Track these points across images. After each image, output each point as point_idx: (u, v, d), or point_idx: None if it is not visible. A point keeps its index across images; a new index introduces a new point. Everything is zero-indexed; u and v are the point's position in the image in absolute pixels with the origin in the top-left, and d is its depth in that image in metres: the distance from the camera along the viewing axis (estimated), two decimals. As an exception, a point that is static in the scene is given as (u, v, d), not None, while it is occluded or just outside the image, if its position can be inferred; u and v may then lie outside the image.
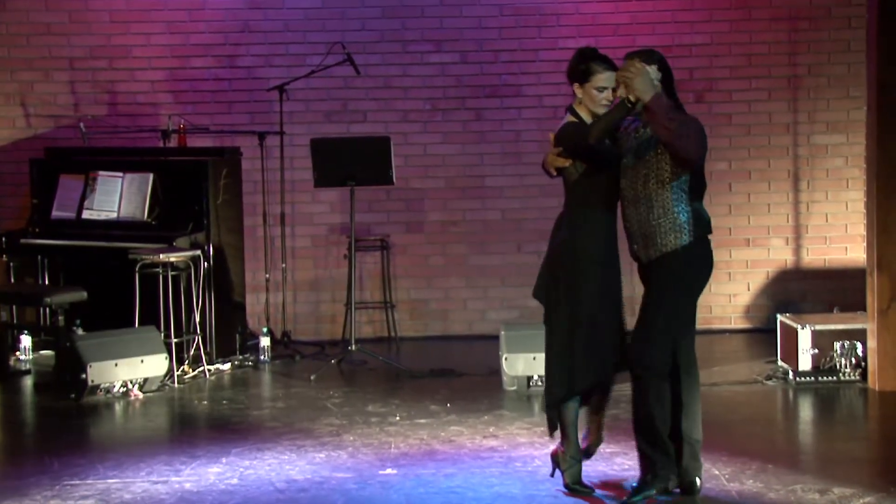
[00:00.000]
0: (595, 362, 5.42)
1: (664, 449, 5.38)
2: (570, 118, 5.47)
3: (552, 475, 5.66)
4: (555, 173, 5.50)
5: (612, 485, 5.68)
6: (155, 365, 7.73)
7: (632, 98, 5.22)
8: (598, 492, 5.58)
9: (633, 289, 9.59)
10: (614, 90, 5.40)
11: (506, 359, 7.59)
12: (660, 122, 5.14)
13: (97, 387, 7.55)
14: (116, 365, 7.59)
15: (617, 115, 5.27)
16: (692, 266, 5.31)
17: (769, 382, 7.74)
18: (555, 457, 5.64)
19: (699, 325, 9.43)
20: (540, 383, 7.57)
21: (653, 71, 5.29)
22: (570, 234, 5.51)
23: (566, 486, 5.58)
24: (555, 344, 5.51)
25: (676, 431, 5.42)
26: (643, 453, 5.41)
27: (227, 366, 8.42)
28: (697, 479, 5.47)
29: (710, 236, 5.37)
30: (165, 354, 7.77)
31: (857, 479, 5.72)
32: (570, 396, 5.46)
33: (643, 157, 5.29)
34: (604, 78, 5.43)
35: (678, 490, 5.43)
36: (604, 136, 5.28)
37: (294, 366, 8.60)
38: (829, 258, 9.65)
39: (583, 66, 5.47)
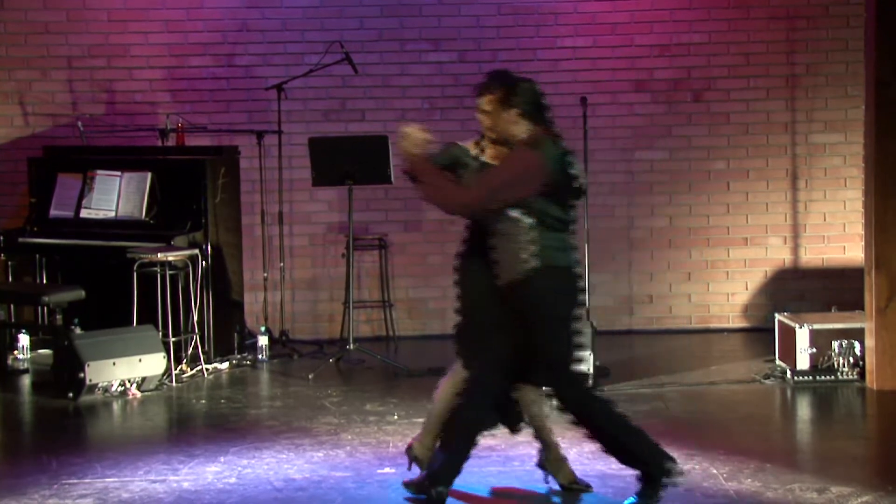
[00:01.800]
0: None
1: (635, 455, 5.37)
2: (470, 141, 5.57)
3: (546, 481, 5.68)
4: None
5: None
6: (153, 364, 7.73)
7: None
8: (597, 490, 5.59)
9: (630, 288, 9.68)
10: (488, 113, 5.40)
11: (504, 358, 7.58)
12: (420, 180, 5.30)
13: (95, 386, 7.55)
14: (114, 364, 7.59)
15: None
16: (543, 294, 5.31)
17: (767, 381, 7.75)
18: (542, 465, 5.69)
19: (697, 325, 9.62)
20: (538, 382, 7.58)
21: (511, 112, 5.31)
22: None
23: (562, 487, 5.59)
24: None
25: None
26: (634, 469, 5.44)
27: (226, 365, 8.42)
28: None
29: (562, 268, 5.33)
30: (163, 353, 7.77)
31: (854, 477, 5.72)
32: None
33: None
34: (480, 101, 5.44)
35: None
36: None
37: (292, 365, 8.60)
38: (828, 257, 9.65)
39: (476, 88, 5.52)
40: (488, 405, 5.44)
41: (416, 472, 5.69)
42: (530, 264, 5.26)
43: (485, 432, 5.57)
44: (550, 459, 5.67)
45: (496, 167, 5.33)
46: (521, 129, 5.34)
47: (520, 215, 5.27)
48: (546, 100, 5.39)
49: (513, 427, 5.65)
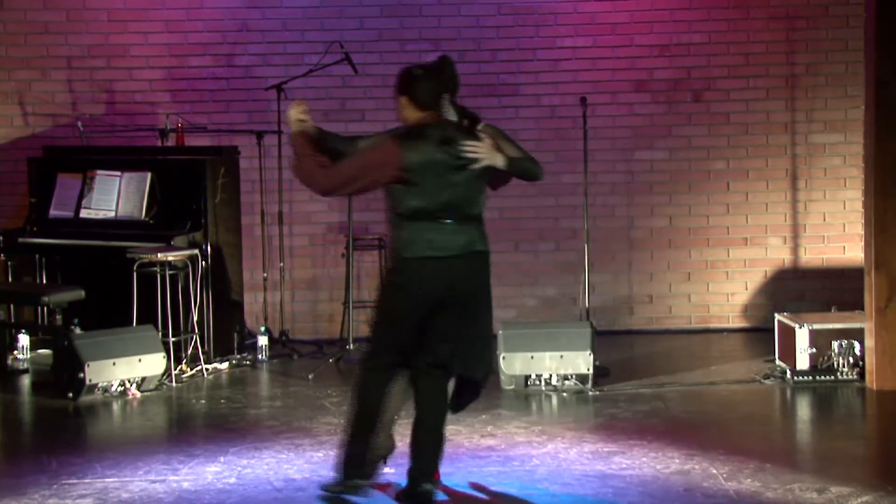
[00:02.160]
0: None
1: (349, 445, 5.53)
2: None
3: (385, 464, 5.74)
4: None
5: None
6: (153, 364, 7.73)
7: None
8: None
9: (630, 288, 9.69)
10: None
11: (503, 358, 7.59)
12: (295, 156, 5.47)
13: (95, 386, 7.55)
14: (114, 364, 7.59)
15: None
16: (389, 283, 5.46)
17: (767, 381, 7.75)
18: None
19: (697, 325, 9.62)
20: (538, 382, 7.58)
21: (402, 100, 5.39)
22: None
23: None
24: None
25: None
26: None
27: (225, 365, 8.42)
28: (428, 486, 5.50)
29: (408, 259, 5.32)
30: (163, 353, 7.77)
31: (854, 477, 5.72)
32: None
33: None
34: None
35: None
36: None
37: (292, 365, 8.60)
38: (827, 257, 9.65)
39: None
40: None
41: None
42: (395, 253, 5.36)
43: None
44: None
45: (348, 159, 5.37)
46: (412, 115, 5.36)
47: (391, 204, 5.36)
48: (440, 84, 5.34)
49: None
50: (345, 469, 5.51)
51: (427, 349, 5.41)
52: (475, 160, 5.29)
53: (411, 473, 5.47)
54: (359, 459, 5.48)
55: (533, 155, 5.64)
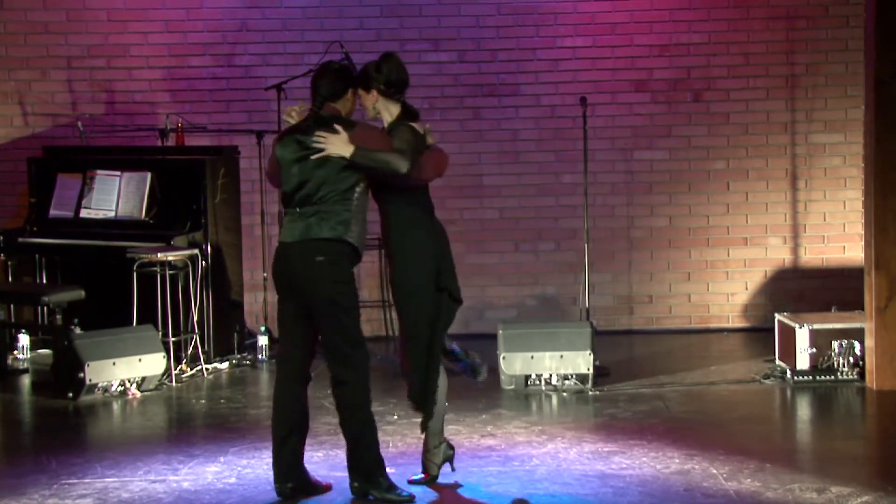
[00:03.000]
0: None
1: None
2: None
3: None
4: None
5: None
6: (153, 364, 7.72)
7: None
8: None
9: (630, 288, 9.68)
10: None
11: (503, 358, 7.59)
12: None
13: (95, 386, 7.55)
14: (114, 364, 7.59)
15: None
16: None
17: (767, 381, 7.75)
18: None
19: (697, 324, 9.63)
20: (538, 382, 7.58)
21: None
22: None
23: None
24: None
25: None
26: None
27: (225, 365, 8.42)
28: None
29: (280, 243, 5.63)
30: (163, 353, 7.77)
31: (854, 478, 5.72)
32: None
33: None
34: None
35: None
36: None
37: (292, 365, 8.58)
38: (827, 257, 9.65)
39: None
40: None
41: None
42: None
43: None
44: None
45: None
46: None
47: None
48: (322, 82, 5.73)
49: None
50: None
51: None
52: (318, 150, 5.48)
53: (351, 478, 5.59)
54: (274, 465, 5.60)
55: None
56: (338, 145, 5.46)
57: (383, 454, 6.17)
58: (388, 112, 5.77)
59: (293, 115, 5.71)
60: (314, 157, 5.45)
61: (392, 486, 5.49)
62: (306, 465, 6.05)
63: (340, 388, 5.57)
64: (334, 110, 5.62)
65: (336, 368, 5.60)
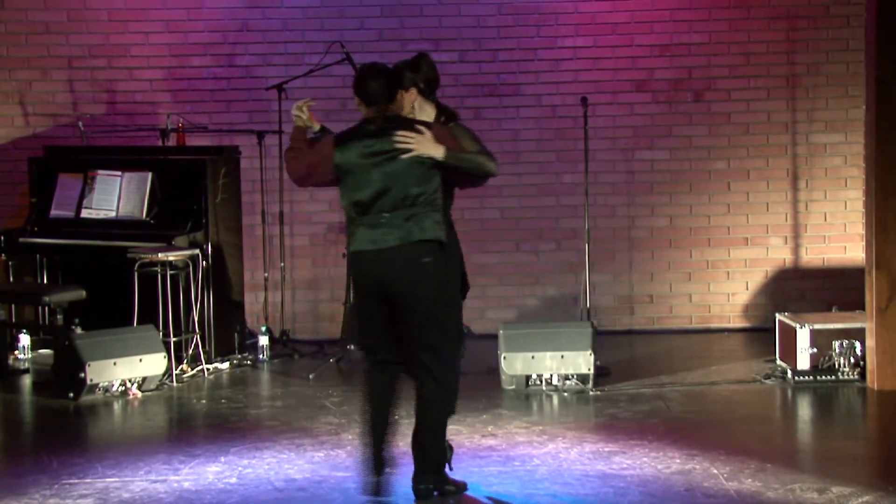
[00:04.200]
0: None
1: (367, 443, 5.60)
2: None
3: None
4: None
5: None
6: (153, 364, 7.73)
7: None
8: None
9: (631, 288, 9.68)
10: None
11: (504, 358, 7.59)
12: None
13: (96, 386, 7.55)
14: (115, 364, 7.59)
15: None
16: (349, 275, 5.78)
17: (768, 381, 7.75)
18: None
19: (698, 324, 9.63)
20: (539, 382, 7.58)
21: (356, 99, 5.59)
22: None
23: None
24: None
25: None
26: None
27: (226, 365, 8.42)
28: (378, 478, 5.58)
29: (353, 252, 5.51)
30: (164, 353, 7.77)
31: (855, 478, 5.72)
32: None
33: None
34: None
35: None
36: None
37: (293, 365, 8.60)
38: (828, 257, 9.65)
39: None
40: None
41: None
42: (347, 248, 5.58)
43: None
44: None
45: (311, 149, 5.63)
46: (363, 112, 5.55)
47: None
48: (379, 84, 5.49)
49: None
50: (366, 471, 5.54)
51: (408, 351, 5.52)
52: (405, 150, 5.37)
53: (414, 473, 5.53)
54: (373, 460, 5.51)
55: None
56: (428, 146, 5.37)
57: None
58: (424, 111, 5.65)
59: (304, 110, 5.70)
60: (403, 157, 5.34)
61: (447, 477, 5.58)
62: (308, 465, 6.07)
63: (432, 383, 5.48)
64: (394, 111, 5.50)
65: (431, 363, 5.46)
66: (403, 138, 5.36)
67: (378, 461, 5.51)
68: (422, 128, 5.41)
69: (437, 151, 5.38)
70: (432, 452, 5.50)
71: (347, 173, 5.40)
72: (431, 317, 5.42)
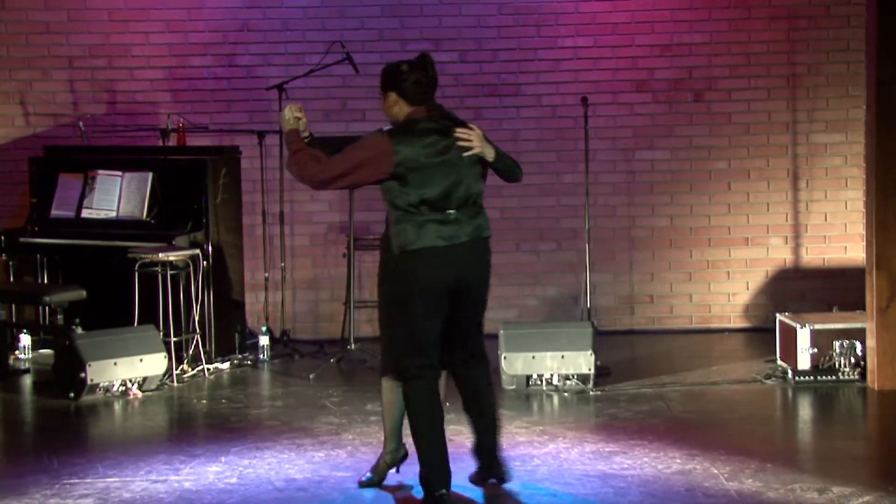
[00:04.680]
0: None
1: (425, 454, 5.45)
2: None
3: (397, 471, 5.77)
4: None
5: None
6: (154, 364, 7.73)
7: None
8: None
9: (631, 288, 9.68)
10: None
11: (504, 358, 7.59)
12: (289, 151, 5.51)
13: (96, 386, 7.55)
14: (115, 364, 7.59)
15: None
16: (388, 279, 5.45)
17: (768, 381, 7.75)
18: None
19: (698, 324, 9.63)
20: (539, 382, 7.58)
21: (391, 96, 5.47)
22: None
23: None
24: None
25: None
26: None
27: (227, 365, 8.42)
28: (502, 469, 5.61)
29: (414, 251, 5.37)
30: (164, 353, 7.77)
31: (855, 478, 5.72)
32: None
33: None
34: None
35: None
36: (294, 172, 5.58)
37: (293, 364, 8.60)
38: (829, 257, 9.65)
39: None
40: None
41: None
42: (394, 249, 5.38)
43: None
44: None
45: (337, 155, 5.43)
46: (402, 111, 5.44)
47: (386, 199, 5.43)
48: (428, 78, 5.45)
49: None
50: (430, 483, 5.41)
51: (460, 342, 5.54)
52: (468, 148, 5.38)
53: (484, 461, 5.59)
54: (440, 469, 5.41)
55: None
56: (483, 144, 5.43)
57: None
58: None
59: (297, 113, 5.57)
60: (466, 154, 5.37)
61: None
62: (308, 465, 6.07)
63: (483, 368, 5.64)
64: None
65: (480, 351, 5.66)
66: (465, 136, 5.38)
67: (447, 470, 5.41)
68: (474, 126, 5.46)
69: (490, 151, 5.45)
70: (499, 443, 5.64)
71: (411, 170, 5.31)
72: (483, 306, 5.66)
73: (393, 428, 5.67)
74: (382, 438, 5.81)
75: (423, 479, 5.42)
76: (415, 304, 5.35)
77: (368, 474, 5.76)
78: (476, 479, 5.66)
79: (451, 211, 5.38)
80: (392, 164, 5.30)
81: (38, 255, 8.82)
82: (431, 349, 5.42)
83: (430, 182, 5.33)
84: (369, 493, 5.66)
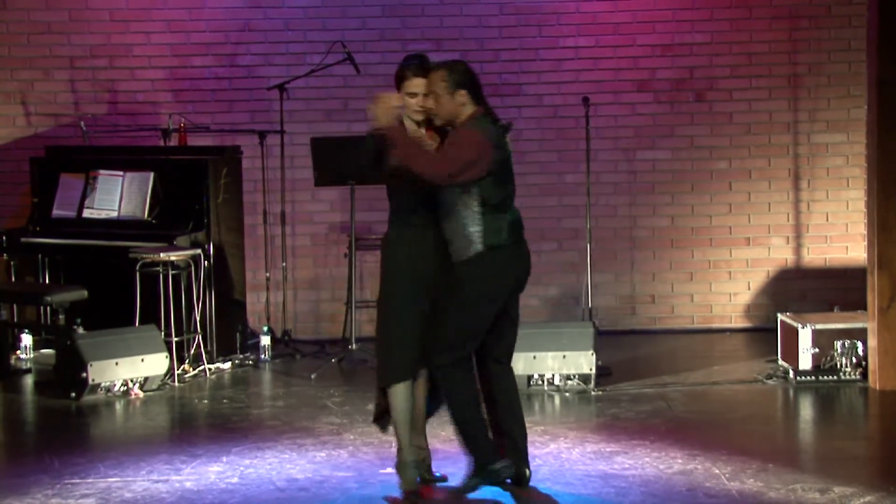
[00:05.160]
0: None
1: (473, 439, 5.51)
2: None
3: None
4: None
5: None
6: (155, 364, 7.73)
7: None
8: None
9: (633, 288, 9.68)
10: (427, 96, 5.47)
11: (506, 358, 7.58)
12: (395, 146, 5.35)
13: (98, 386, 7.55)
14: (117, 364, 7.59)
15: (367, 144, 5.48)
16: (478, 274, 5.45)
17: (770, 381, 7.75)
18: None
19: (699, 324, 9.62)
20: (540, 382, 7.58)
21: (461, 94, 5.46)
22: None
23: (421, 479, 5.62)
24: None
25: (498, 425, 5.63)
26: (462, 445, 5.59)
27: (228, 365, 8.42)
28: (526, 471, 5.61)
29: (508, 244, 5.50)
30: (166, 353, 7.78)
31: (857, 478, 5.72)
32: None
33: None
34: (414, 84, 5.48)
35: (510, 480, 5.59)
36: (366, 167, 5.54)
37: (294, 364, 8.60)
38: (830, 257, 9.65)
39: (399, 72, 5.53)
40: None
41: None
42: (479, 246, 5.40)
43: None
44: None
45: (454, 146, 5.37)
46: (467, 110, 5.47)
47: (467, 197, 5.41)
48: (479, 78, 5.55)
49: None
50: (480, 463, 5.53)
51: (499, 337, 5.58)
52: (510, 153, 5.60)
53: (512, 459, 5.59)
54: (487, 449, 5.53)
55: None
56: None
57: (386, 454, 6.20)
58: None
59: (398, 101, 5.46)
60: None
61: None
62: (309, 465, 6.07)
63: (510, 367, 5.67)
64: None
65: (512, 350, 5.69)
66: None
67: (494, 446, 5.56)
68: None
69: None
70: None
71: (499, 167, 5.45)
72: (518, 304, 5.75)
73: (409, 430, 5.59)
74: (395, 445, 5.64)
75: (477, 455, 5.51)
76: (498, 298, 5.49)
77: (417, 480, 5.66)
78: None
79: (513, 209, 5.54)
80: (492, 160, 5.41)
81: (40, 255, 8.82)
82: (477, 343, 5.56)
83: (508, 180, 5.50)
84: (371, 493, 5.66)
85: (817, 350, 7.62)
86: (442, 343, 5.42)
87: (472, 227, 5.42)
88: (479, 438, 5.52)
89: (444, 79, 5.42)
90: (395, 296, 5.48)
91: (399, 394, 5.48)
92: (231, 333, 8.65)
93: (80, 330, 8.00)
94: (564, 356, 7.54)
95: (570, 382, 7.56)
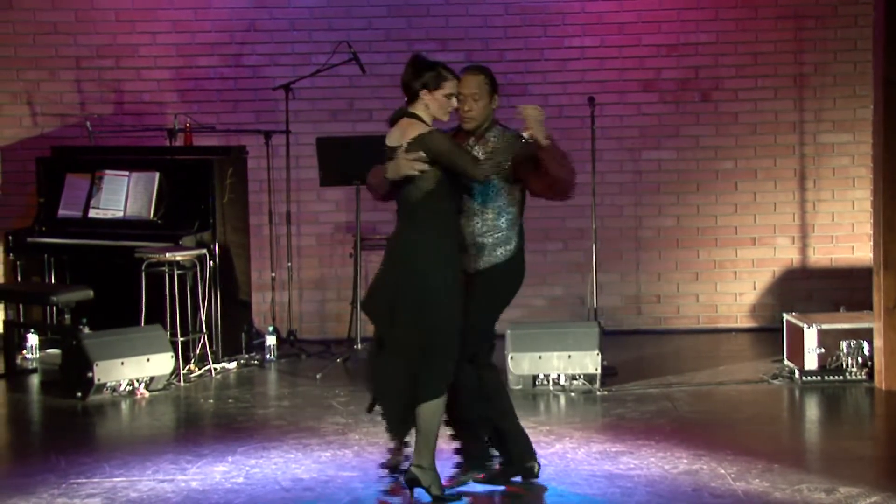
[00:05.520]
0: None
1: (471, 437, 5.63)
2: (421, 124, 5.51)
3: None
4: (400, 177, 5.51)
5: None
6: (161, 363, 7.74)
7: (528, 136, 5.48)
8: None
9: (638, 288, 9.67)
10: (457, 97, 5.60)
11: (511, 358, 7.59)
12: (553, 161, 5.49)
13: (103, 385, 7.56)
14: (122, 363, 7.60)
15: (511, 150, 5.50)
16: (517, 270, 5.65)
17: (775, 381, 7.74)
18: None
19: (705, 324, 9.61)
20: (546, 382, 7.58)
21: (497, 99, 5.76)
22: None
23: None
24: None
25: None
26: (457, 442, 5.70)
27: (233, 364, 8.43)
28: (534, 466, 5.70)
29: (523, 250, 5.69)
30: (171, 353, 7.78)
31: (863, 478, 5.72)
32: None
33: None
34: (452, 85, 5.61)
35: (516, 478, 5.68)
36: (497, 171, 5.48)
37: (300, 364, 8.60)
38: (836, 257, 9.64)
39: (433, 72, 5.59)
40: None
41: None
42: (515, 249, 5.56)
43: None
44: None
45: (550, 152, 5.51)
46: (491, 116, 5.67)
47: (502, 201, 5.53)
48: None
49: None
50: (474, 461, 5.70)
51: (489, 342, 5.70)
52: None
53: (512, 457, 5.66)
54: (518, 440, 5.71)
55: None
56: None
57: (387, 452, 6.21)
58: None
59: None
60: None
61: None
62: (315, 465, 6.07)
63: (495, 372, 5.75)
64: None
65: (491, 352, 5.77)
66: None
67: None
68: None
69: None
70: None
71: None
72: None
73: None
74: (428, 458, 5.51)
75: (516, 453, 5.63)
76: (511, 296, 5.66)
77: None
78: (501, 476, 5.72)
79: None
80: None
81: (46, 255, 8.83)
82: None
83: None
84: (376, 492, 5.66)
85: (823, 350, 7.62)
86: (488, 342, 5.63)
87: (514, 228, 5.58)
88: (520, 434, 5.68)
89: (486, 82, 5.60)
90: (449, 307, 5.44)
91: (443, 401, 5.46)
92: (236, 333, 8.66)
93: (86, 330, 8.01)
94: (570, 356, 7.54)
95: (575, 382, 7.56)
